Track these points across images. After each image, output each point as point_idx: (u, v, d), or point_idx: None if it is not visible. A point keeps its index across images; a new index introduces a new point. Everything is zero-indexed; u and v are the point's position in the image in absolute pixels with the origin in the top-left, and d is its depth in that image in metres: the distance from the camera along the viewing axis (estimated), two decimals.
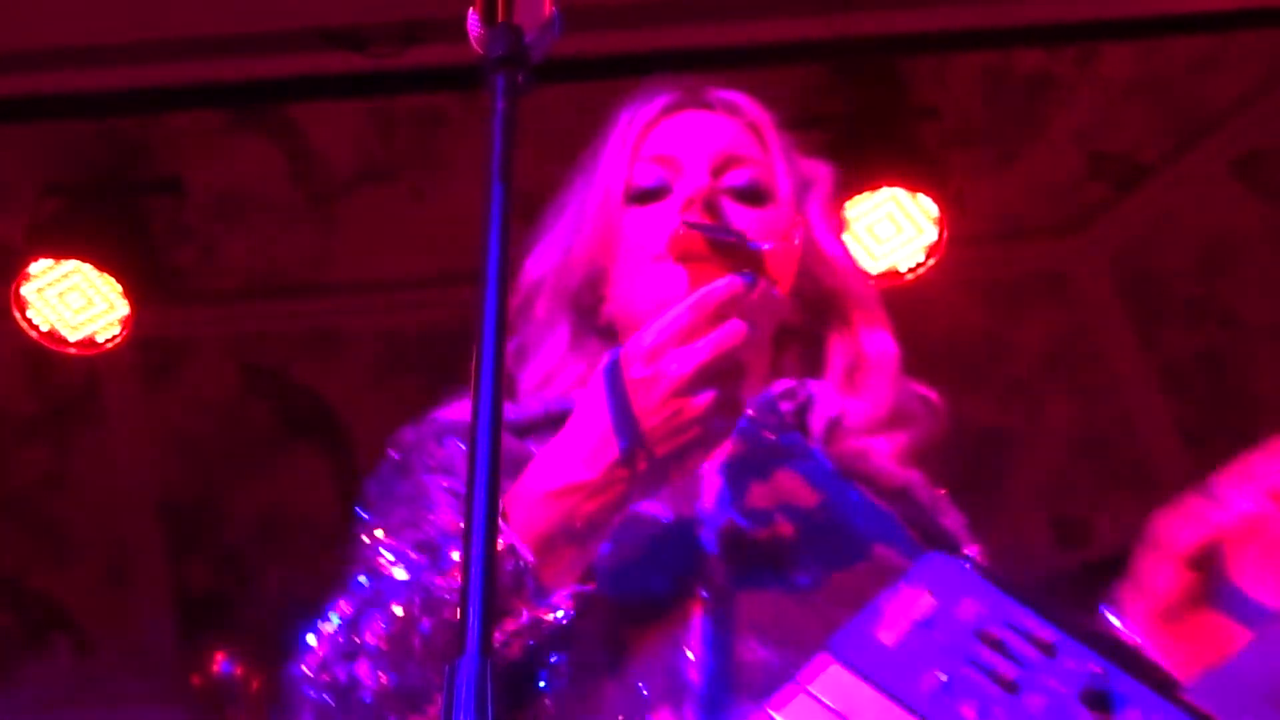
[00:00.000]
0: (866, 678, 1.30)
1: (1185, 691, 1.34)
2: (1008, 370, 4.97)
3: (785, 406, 1.75)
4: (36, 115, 4.17)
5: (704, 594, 1.54)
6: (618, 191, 1.81)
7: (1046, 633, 1.34)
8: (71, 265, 4.12)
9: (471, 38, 1.41)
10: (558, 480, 1.45)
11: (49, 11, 3.89)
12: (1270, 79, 4.36)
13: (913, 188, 4.01)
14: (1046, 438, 5.07)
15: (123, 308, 4.18)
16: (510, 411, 1.69)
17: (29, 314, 4.16)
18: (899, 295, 4.19)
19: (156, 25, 3.93)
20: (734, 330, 1.42)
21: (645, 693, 1.48)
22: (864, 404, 1.78)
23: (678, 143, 1.83)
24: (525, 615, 1.42)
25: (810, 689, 1.29)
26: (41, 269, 4.13)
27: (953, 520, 1.78)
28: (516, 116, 1.32)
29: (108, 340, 4.22)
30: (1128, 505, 5.12)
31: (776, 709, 1.29)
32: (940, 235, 4.05)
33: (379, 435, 1.79)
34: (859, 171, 4.01)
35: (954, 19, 4.02)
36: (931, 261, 4.09)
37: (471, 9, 1.40)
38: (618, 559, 1.54)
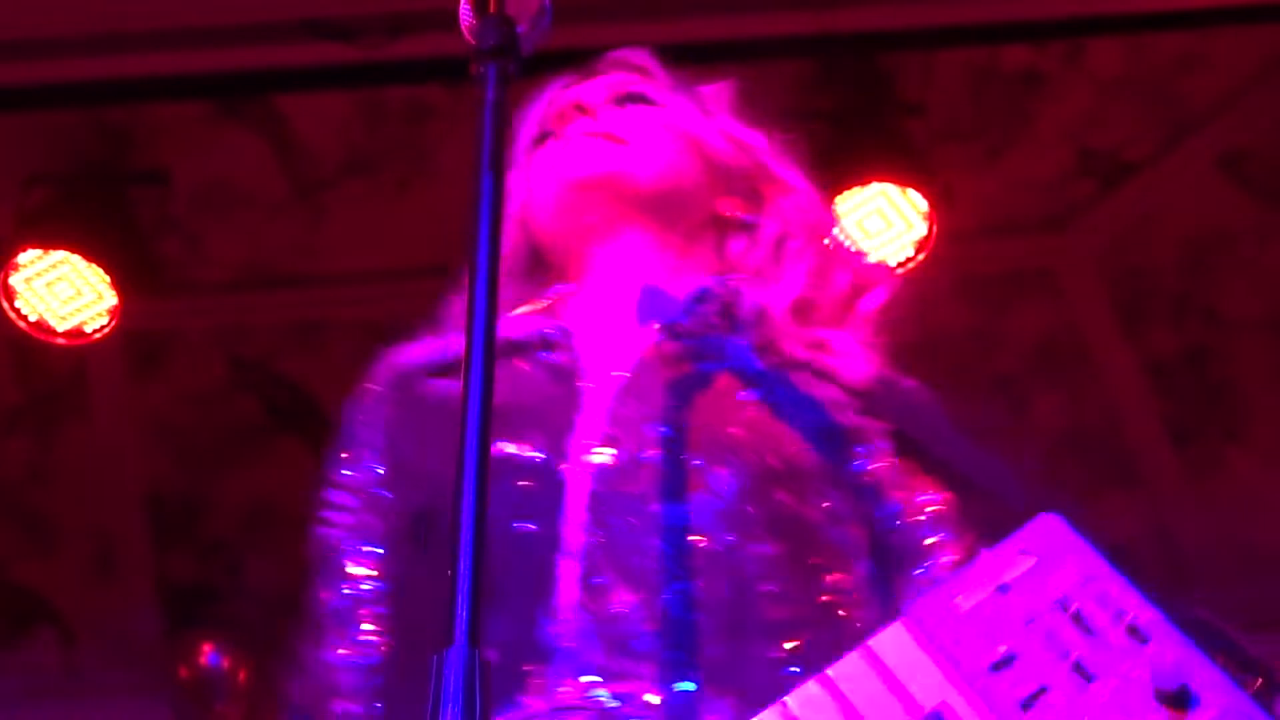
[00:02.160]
0: (930, 642, 1.22)
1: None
2: (995, 365, 4.98)
3: (706, 309, 1.74)
4: (22, 105, 4.16)
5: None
6: (523, 151, 1.86)
7: (1145, 615, 1.21)
8: (60, 255, 4.11)
9: (464, 28, 1.41)
10: None
11: (35, 1, 3.89)
12: (1256, 76, 4.36)
13: (902, 183, 4.01)
14: (1033, 433, 5.08)
15: (111, 298, 4.16)
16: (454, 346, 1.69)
17: (17, 304, 4.14)
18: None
19: (143, 15, 3.92)
20: None
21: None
22: (793, 277, 1.78)
23: (564, 100, 1.87)
24: None
25: (870, 644, 1.23)
26: (30, 259, 4.11)
27: (927, 412, 1.74)
28: (507, 107, 1.33)
29: (96, 330, 4.21)
30: (1114, 500, 5.13)
31: (833, 668, 1.22)
32: (930, 230, 4.06)
33: None
34: (849, 166, 4.01)
35: (942, 15, 4.02)
36: (921, 256, 4.09)
37: None
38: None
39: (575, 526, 1.53)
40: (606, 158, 1.77)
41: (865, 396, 1.67)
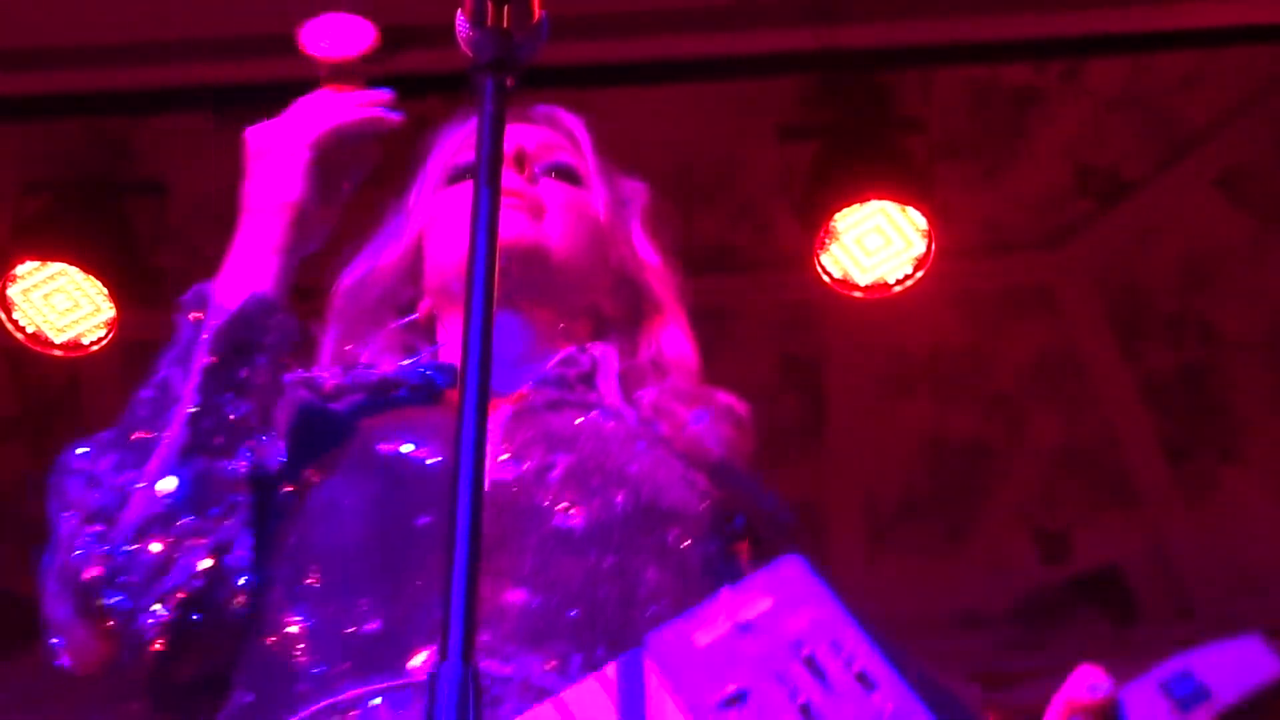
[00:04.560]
0: (666, 675, 1.26)
1: None
2: (991, 383, 4.97)
3: (569, 372, 1.81)
4: (20, 115, 4.16)
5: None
6: (434, 183, 1.95)
7: (874, 665, 1.25)
8: (58, 267, 4.10)
9: (460, 40, 1.41)
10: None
11: (34, 11, 3.88)
12: (1253, 96, 4.37)
13: (902, 200, 4.01)
14: (1029, 451, 5.07)
15: (108, 310, 4.16)
16: (323, 378, 1.85)
17: (14, 316, 4.13)
18: (885, 307, 4.20)
19: (142, 27, 3.92)
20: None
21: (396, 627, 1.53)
22: (667, 384, 1.86)
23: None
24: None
25: (605, 671, 1.27)
26: (27, 270, 4.11)
27: (772, 503, 1.79)
28: (504, 120, 1.32)
29: (93, 343, 4.20)
30: (1110, 520, 5.13)
31: (568, 691, 1.28)
32: (928, 248, 4.05)
33: None
34: (848, 183, 4.01)
35: (941, 33, 4.03)
36: (920, 274, 4.09)
37: (460, 11, 1.40)
38: (381, 493, 1.62)
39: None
40: (528, 229, 1.82)
41: (714, 474, 1.75)
